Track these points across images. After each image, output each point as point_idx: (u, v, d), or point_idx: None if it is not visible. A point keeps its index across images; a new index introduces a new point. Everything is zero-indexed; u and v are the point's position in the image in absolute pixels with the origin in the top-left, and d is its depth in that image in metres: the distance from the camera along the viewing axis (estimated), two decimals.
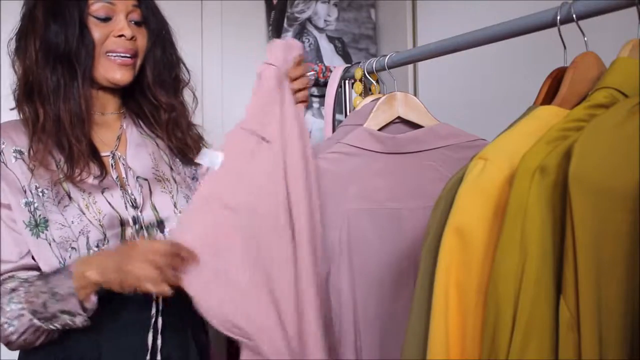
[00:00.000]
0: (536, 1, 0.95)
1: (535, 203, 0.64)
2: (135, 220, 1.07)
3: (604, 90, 0.70)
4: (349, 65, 1.47)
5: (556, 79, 0.83)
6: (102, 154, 1.11)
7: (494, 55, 1.45)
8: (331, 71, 1.51)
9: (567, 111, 0.72)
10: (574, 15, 0.82)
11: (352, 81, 1.40)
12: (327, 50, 2.15)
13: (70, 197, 1.04)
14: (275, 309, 0.98)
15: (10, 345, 1.00)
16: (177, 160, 1.19)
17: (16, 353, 1.12)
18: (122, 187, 1.09)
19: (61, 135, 1.05)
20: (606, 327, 0.59)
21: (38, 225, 1.02)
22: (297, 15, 2.14)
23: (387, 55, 1.27)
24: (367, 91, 1.37)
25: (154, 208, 1.10)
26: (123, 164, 1.12)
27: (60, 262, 1.02)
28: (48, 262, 1.01)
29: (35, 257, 1.02)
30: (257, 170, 1.01)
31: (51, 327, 0.97)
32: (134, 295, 1.05)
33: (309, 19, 2.15)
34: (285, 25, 2.13)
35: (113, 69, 1.09)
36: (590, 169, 0.60)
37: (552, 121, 0.70)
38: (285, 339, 0.96)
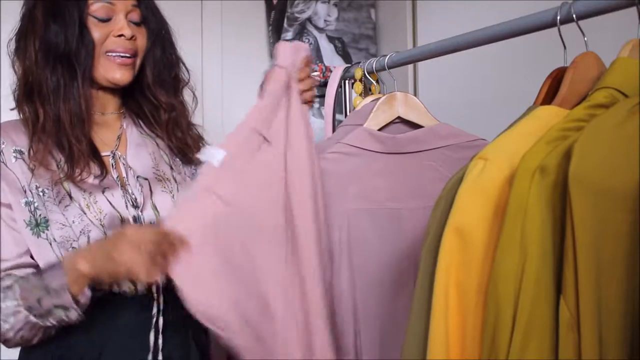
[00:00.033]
0: (536, 1, 0.95)
1: (535, 203, 0.64)
2: (136, 219, 1.07)
3: (604, 90, 0.70)
4: (349, 65, 1.48)
5: (556, 79, 0.83)
6: (103, 153, 1.11)
7: (494, 55, 1.45)
8: (331, 71, 1.51)
9: (567, 111, 0.72)
10: (574, 15, 0.82)
11: (352, 81, 1.40)
12: (327, 50, 2.15)
13: (71, 197, 1.04)
14: (262, 307, 0.97)
15: (7, 342, 1.00)
16: (177, 160, 1.19)
17: (16, 353, 1.12)
18: (123, 186, 1.09)
19: (61, 135, 1.05)
20: (606, 327, 0.59)
21: (39, 225, 1.02)
22: (297, 15, 2.14)
23: (387, 55, 1.27)
24: (367, 91, 1.37)
25: (155, 207, 1.10)
26: (123, 164, 1.12)
27: None
28: (48, 262, 1.01)
29: (36, 257, 1.02)
30: (257, 170, 1.01)
31: (47, 323, 0.97)
32: (134, 296, 1.05)
33: (309, 19, 2.15)
34: (285, 25, 2.13)
35: (113, 69, 1.09)
36: (590, 169, 0.60)
37: (552, 121, 0.70)
38: (262, 340, 0.96)
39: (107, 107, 1.15)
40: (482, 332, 0.67)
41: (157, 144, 1.18)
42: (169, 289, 1.00)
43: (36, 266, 1.02)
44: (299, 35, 2.13)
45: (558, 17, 0.84)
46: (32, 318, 0.96)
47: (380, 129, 1.15)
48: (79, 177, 1.04)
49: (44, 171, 1.04)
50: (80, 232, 1.02)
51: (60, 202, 1.04)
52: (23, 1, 1.12)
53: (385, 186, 1.12)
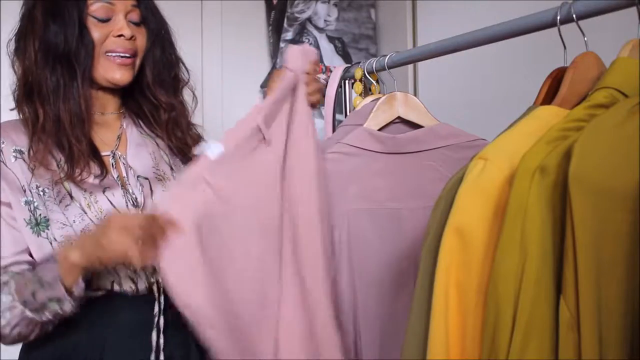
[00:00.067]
0: (536, 1, 0.95)
1: (535, 203, 0.64)
2: None
3: (604, 90, 0.70)
4: (349, 65, 1.47)
5: (556, 79, 0.83)
6: (103, 153, 1.11)
7: (494, 55, 1.45)
8: (331, 71, 1.51)
9: (567, 111, 0.72)
10: (574, 15, 0.82)
11: (352, 81, 1.40)
12: (327, 50, 2.15)
13: (71, 197, 1.04)
14: (249, 307, 0.98)
15: (4, 339, 1.00)
16: (178, 159, 1.19)
17: (16, 353, 1.12)
18: (123, 186, 1.09)
19: (61, 135, 1.05)
20: (606, 327, 0.59)
21: (39, 224, 1.02)
22: (297, 15, 2.14)
23: (387, 55, 1.27)
24: (367, 91, 1.37)
25: None
26: (123, 164, 1.12)
27: None
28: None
29: (36, 256, 1.02)
30: (252, 169, 1.01)
31: (43, 318, 0.96)
32: (135, 295, 1.05)
33: (309, 19, 2.15)
34: (285, 25, 2.13)
35: (112, 69, 1.09)
36: (590, 169, 0.60)
37: (552, 121, 0.70)
38: (239, 340, 0.96)
39: (107, 107, 1.15)
40: (482, 332, 0.67)
41: (157, 144, 1.18)
42: None
43: (34, 263, 1.02)
44: (299, 35, 2.13)
45: (558, 17, 0.84)
46: (28, 313, 0.96)
47: (380, 129, 1.15)
48: (79, 177, 1.04)
49: (44, 171, 1.04)
50: (81, 231, 1.02)
51: (60, 202, 1.04)
52: (23, 1, 1.12)
53: (385, 186, 1.12)
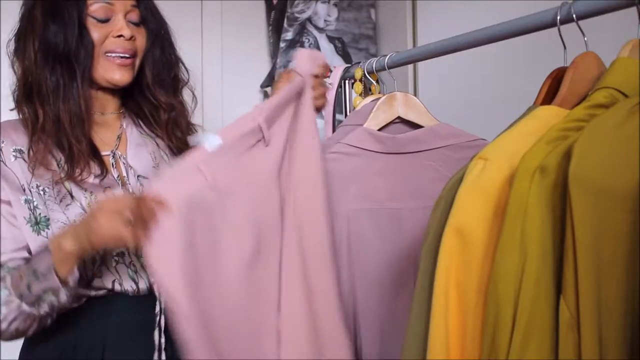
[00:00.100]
0: (536, 1, 0.95)
1: (535, 203, 0.64)
2: None
3: (604, 90, 0.70)
4: (349, 65, 1.48)
5: (556, 79, 0.83)
6: (103, 153, 1.11)
7: (494, 55, 1.45)
8: (331, 71, 1.51)
9: (567, 111, 0.72)
10: (574, 15, 0.82)
11: (352, 81, 1.40)
12: (327, 50, 2.15)
13: (72, 196, 1.04)
14: (233, 307, 0.97)
15: (2, 335, 0.99)
16: (178, 159, 1.20)
17: (16, 354, 1.12)
18: (123, 185, 1.09)
19: (61, 136, 1.05)
20: (606, 327, 0.59)
21: (38, 223, 1.02)
22: (297, 15, 2.14)
23: (387, 55, 1.27)
24: (367, 91, 1.37)
25: None
26: (124, 163, 1.12)
27: None
28: None
29: (35, 254, 1.02)
30: (248, 166, 1.00)
31: (40, 311, 0.96)
32: (136, 295, 1.05)
33: (309, 19, 2.15)
34: (285, 25, 2.13)
35: (112, 70, 1.09)
36: (590, 169, 0.60)
37: (552, 121, 0.70)
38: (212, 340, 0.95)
39: (106, 107, 1.15)
40: (482, 332, 0.67)
41: (157, 144, 1.18)
42: None
43: (30, 260, 1.02)
44: (299, 35, 2.13)
45: (558, 17, 0.83)
46: (25, 307, 0.95)
47: (380, 129, 1.15)
48: (80, 176, 1.05)
49: (44, 171, 1.04)
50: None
51: (61, 201, 1.04)
52: (22, 1, 1.12)
53: (385, 186, 1.12)
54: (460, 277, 0.69)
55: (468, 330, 0.69)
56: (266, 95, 2.28)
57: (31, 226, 1.02)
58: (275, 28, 2.22)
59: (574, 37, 0.82)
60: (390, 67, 1.26)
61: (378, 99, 1.19)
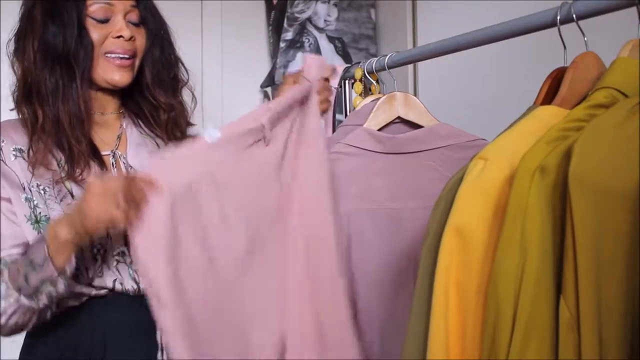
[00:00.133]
0: (536, 1, 0.95)
1: (535, 203, 0.64)
2: None
3: (604, 90, 0.70)
4: (349, 65, 1.47)
5: (556, 79, 0.83)
6: (103, 153, 1.11)
7: (494, 55, 1.45)
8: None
9: (567, 111, 0.72)
10: (574, 15, 0.82)
11: (352, 81, 1.40)
12: (327, 50, 2.15)
13: (72, 195, 1.05)
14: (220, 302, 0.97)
15: (1, 330, 0.98)
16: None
17: (17, 354, 1.12)
18: None
19: (61, 136, 1.05)
20: (606, 327, 0.59)
21: (39, 222, 1.02)
22: (297, 15, 2.14)
23: (387, 55, 1.27)
24: (367, 91, 1.37)
25: None
26: (124, 163, 1.12)
27: None
28: None
29: (32, 245, 1.02)
30: (247, 164, 1.00)
31: (39, 304, 0.95)
32: (137, 294, 1.05)
33: (309, 19, 2.15)
34: (285, 25, 2.13)
35: (112, 70, 1.09)
36: (590, 169, 0.60)
37: (552, 121, 0.70)
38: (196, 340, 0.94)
39: (106, 108, 1.15)
40: (482, 332, 0.67)
41: (157, 144, 1.18)
42: None
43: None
44: (299, 35, 2.13)
45: (558, 17, 0.83)
46: (24, 300, 0.95)
47: (380, 129, 1.15)
48: (80, 176, 1.05)
49: (44, 170, 1.05)
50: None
51: (62, 201, 1.04)
52: (22, 1, 1.12)
53: (385, 186, 1.12)
54: (460, 277, 0.69)
55: (468, 330, 0.69)
56: (266, 95, 2.28)
57: (32, 224, 1.02)
58: (275, 28, 2.22)
59: (574, 37, 0.82)
60: (390, 67, 1.25)
61: (378, 99, 1.19)
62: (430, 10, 1.95)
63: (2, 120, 1.11)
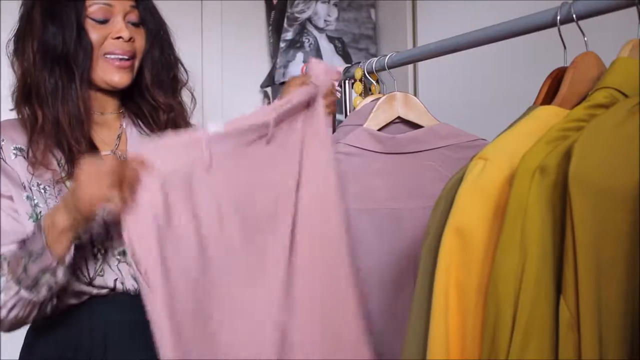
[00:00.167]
0: (536, 1, 0.95)
1: (535, 203, 0.64)
2: None
3: (604, 90, 0.70)
4: (349, 65, 1.47)
5: (556, 79, 0.83)
6: (103, 152, 1.11)
7: (494, 55, 1.45)
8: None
9: (567, 111, 0.72)
10: (574, 15, 0.82)
11: (352, 81, 1.40)
12: (327, 50, 2.15)
13: None
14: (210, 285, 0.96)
15: (1, 324, 0.97)
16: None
17: (17, 354, 1.12)
18: None
19: (60, 137, 1.05)
20: (606, 327, 0.59)
21: (39, 220, 1.02)
22: (297, 15, 2.14)
23: (387, 55, 1.27)
24: (367, 91, 1.37)
25: None
26: None
27: None
28: None
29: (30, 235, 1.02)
30: (247, 158, 1.00)
31: (40, 296, 0.95)
32: (138, 294, 1.05)
33: (309, 19, 2.14)
34: (285, 25, 2.13)
35: (111, 72, 1.09)
36: (590, 169, 0.60)
37: (552, 121, 0.70)
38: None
39: (106, 108, 1.15)
40: (482, 332, 0.67)
41: None
42: None
43: None
44: (299, 35, 2.13)
45: (558, 17, 0.83)
46: (24, 292, 0.94)
47: (380, 129, 1.15)
48: None
49: (44, 170, 1.05)
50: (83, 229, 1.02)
51: None
52: (22, 1, 1.12)
53: (385, 186, 1.12)
54: (460, 277, 0.69)
55: (468, 330, 0.69)
56: (266, 95, 2.28)
57: (33, 222, 1.02)
58: (275, 28, 2.22)
59: (574, 37, 0.82)
60: (390, 67, 1.25)
61: (378, 99, 1.19)
62: (430, 10, 1.95)
63: (2, 120, 1.11)
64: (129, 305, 1.05)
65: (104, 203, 0.89)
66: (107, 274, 1.04)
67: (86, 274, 1.03)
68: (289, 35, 2.12)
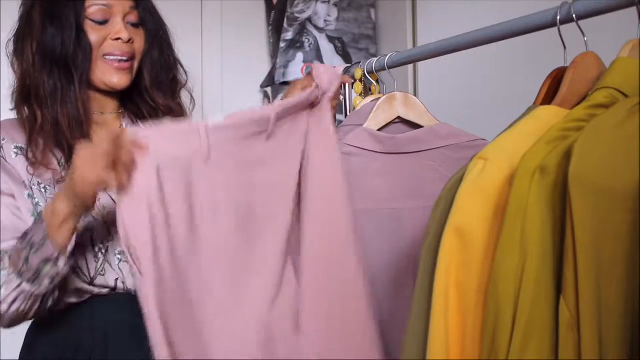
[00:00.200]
0: (536, 1, 0.95)
1: (535, 203, 0.64)
2: None
3: (604, 90, 0.70)
4: (349, 65, 1.47)
5: (556, 79, 0.83)
6: None
7: (494, 55, 1.44)
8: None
9: (567, 111, 0.72)
10: (574, 15, 0.82)
11: (352, 81, 1.40)
12: (327, 50, 2.15)
13: None
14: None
15: (1, 319, 0.96)
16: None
17: (17, 354, 1.12)
18: None
19: (60, 137, 1.05)
20: (606, 327, 0.59)
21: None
22: (297, 15, 2.14)
23: (387, 55, 1.26)
24: (367, 91, 1.37)
25: None
26: None
27: None
28: None
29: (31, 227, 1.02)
30: (246, 152, 1.00)
31: (42, 289, 0.94)
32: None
33: (309, 19, 2.14)
34: (285, 25, 2.13)
35: (110, 73, 1.09)
36: (590, 169, 0.60)
37: (552, 121, 0.70)
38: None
39: (105, 108, 1.16)
40: (482, 332, 0.67)
41: None
42: None
43: None
44: (299, 35, 2.13)
45: (558, 17, 0.83)
46: (25, 285, 0.94)
47: (380, 129, 1.15)
48: None
49: (45, 170, 1.05)
50: (84, 228, 1.02)
51: None
52: (21, 1, 1.12)
53: (385, 186, 1.12)
54: (460, 277, 0.69)
55: (468, 330, 0.69)
56: (266, 95, 2.28)
57: (35, 219, 1.02)
58: (275, 28, 2.22)
59: (574, 37, 0.82)
60: (390, 67, 1.25)
61: (378, 99, 1.19)
62: (430, 10, 1.95)
63: (2, 119, 1.11)
64: (130, 305, 1.04)
65: (100, 185, 0.88)
66: (108, 274, 1.04)
67: (87, 274, 1.03)
68: (289, 35, 2.12)
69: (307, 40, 2.13)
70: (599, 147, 0.60)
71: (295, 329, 1.02)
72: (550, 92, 0.83)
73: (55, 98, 1.05)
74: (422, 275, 0.75)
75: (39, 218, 0.96)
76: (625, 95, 0.68)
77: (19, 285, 0.94)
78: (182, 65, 1.22)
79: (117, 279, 1.05)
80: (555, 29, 0.85)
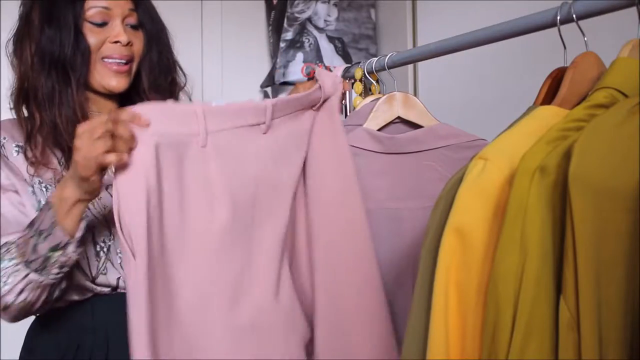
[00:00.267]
0: (536, 1, 0.95)
1: (535, 203, 0.64)
2: None
3: (604, 90, 0.70)
4: (349, 65, 1.47)
5: (556, 79, 0.83)
6: None
7: (494, 55, 1.45)
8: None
9: (567, 111, 0.72)
10: (574, 15, 0.82)
11: (352, 81, 1.40)
12: (327, 50, 2.15)
13: None
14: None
15: (7, 309, 0.96)
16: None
17: (17, 354, 1.12)
18: None
19: (59, 138, 1.05)
20: (606, 327, 0.59)
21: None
22: (297, 15, 2.14)
23: (387, 55, 1.26)
24: (367, 91, 1.37)
25: None
26: None
27: None
28: None
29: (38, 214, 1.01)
30: (242, 141, 0.99)
31: (50, 277, 0.94)
32: None
33: (309, 19, 2.14)
34: (285, 25, 2.13)
35: (109, 76, 1.09)
36: (590, 169, 0.60)
37: (552, 121, 0.70)
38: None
39: (104, 110, 1.15)
40: (482, 332, 0.67)
41: None
42: None
43: None
44: (299, 35, 2.13)
45: (558, 17, 0.83)
46: (33, 275, 0.93)
47: (380, 129, 1.15)
48: None
49: (45, 170, 1.05)
50: (86, 227, 1.02)
51: None
52: (21, 2, 1.12)
53: (385, 186, 1.12)
54: (460, 277, 0.69)
55: (468, 330, 0.69)
56: (266, 95, 2.28)
57: (41, 208, 1.02)
58: (275, 28, 2.22)
59: (574, 37, 0.82)
60: (390, 67, 1.25)
61: (378, 99, 1.19)
62: (430, 10, 1.95)
63: (2, 119, 1.11)
64: None
65: (101, 161, 0.86)
66: (110, 272, 1.04)
67: (89, 273, 1.03)
68: (289, 35, 2.12)
69: (307, 40, 2.13)
70: (599, 147, 0.60)
71: (293, 329, 1.02)
72: (550, 92, 0.83)
73: (52, 100, 1.05)
74: (422, 275, 0.75)
75: (45, 206, 0.95)
76: (625, 95, 0.68)
77: (26, 276, 0.93)
78: (181, 68, 1.22)
79: (119, 278, 1.05)
80: (555, 29, 0.85)
